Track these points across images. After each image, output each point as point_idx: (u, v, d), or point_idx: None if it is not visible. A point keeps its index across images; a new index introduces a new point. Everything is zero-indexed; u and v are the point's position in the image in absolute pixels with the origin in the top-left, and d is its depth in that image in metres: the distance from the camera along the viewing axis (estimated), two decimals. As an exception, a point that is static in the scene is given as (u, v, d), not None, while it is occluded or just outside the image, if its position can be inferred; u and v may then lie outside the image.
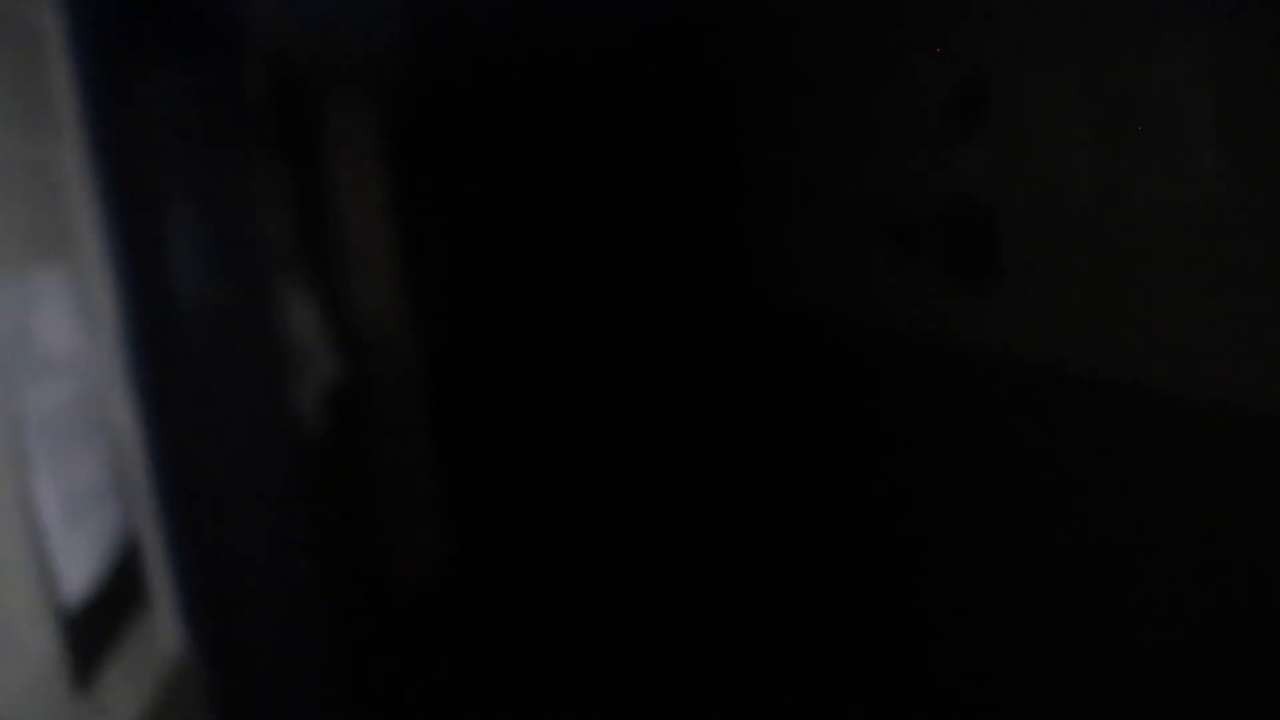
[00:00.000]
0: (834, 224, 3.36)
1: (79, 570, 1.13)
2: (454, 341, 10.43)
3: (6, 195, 1.08)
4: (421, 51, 4.52)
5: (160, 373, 1.42)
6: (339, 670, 2.60)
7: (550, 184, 10.56)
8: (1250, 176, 1.70)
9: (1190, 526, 1.90)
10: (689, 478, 5.89)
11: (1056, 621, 2.37)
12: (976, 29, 2.39)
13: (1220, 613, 1.85)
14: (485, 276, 10.75)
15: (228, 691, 1.76)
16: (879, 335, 3.10)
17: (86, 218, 1.29)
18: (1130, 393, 2.00)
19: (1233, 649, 1.81)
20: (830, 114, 3.27)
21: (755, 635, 3.99)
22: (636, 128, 6.26)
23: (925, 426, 2.89)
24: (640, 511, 5.87)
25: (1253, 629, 1.77)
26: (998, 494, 2.55)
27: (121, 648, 1.23)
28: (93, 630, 1.15)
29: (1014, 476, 2.47)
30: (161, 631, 1.41)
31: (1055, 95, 2.14)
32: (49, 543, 1.07)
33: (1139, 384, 1.96)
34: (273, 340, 2.23)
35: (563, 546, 5.37)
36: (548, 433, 8.28)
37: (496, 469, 7.22)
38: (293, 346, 2.55)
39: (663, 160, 5.65)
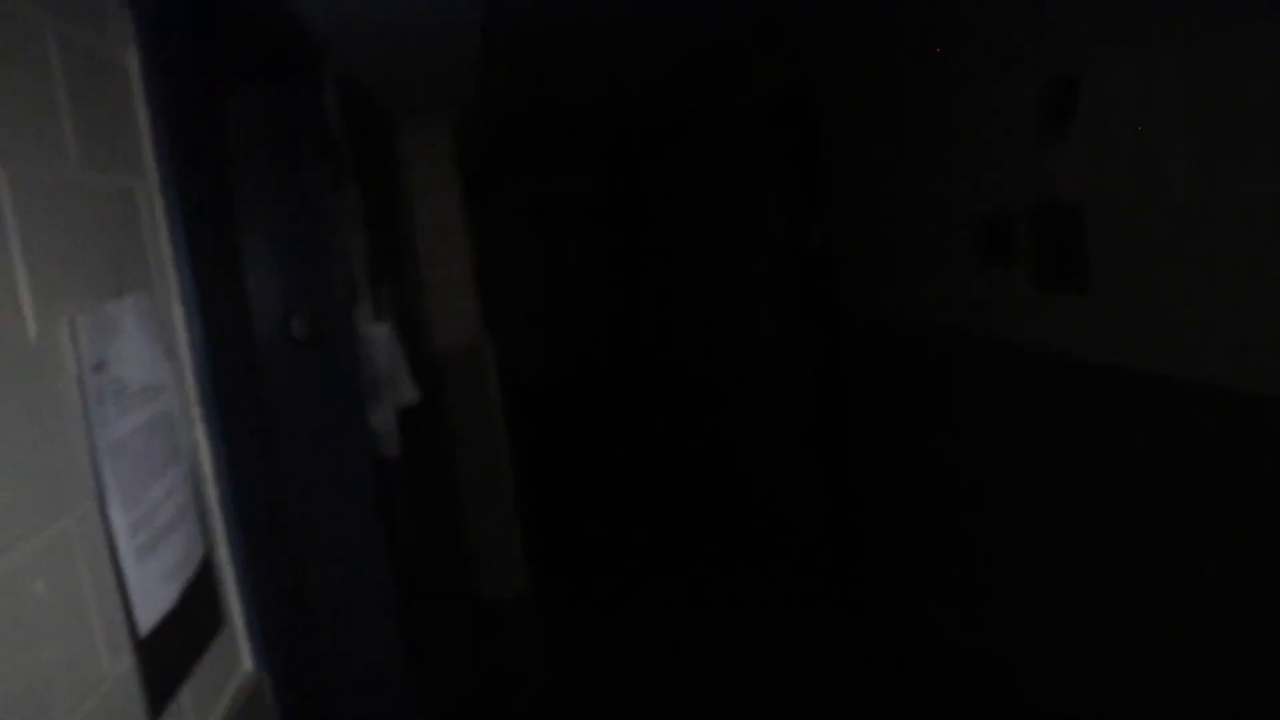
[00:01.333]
0: (921, 228, 3.29)
1: (154, 595, 1.14)
2: (538, 359, 10.53)
3: (87, 226, 1.11)
4: (499, 73, 4.57)
5: (238, 400, 1.44)
6: (416, 686, 2.62)
7: (631, 198, 10.60)
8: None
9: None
10: (778, 486, 5.82)
11: (1139, 620, 2.26)
12: (1066, 24, 2.30)
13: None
14: (569, 294, 10.84)
15: (303, 711, 1.78)
16: (964, 339, 3.02)
17: (165, 247, 1.32)
18: (1229, 398, 1.89)
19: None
20: (917, 117, 3.21)
21: (835, 636, 3.92)
22: (721, 137, 6.24)
23: (1010, 430, 2.80)
24: (727, 520, 5.82)
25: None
26: (1082, 496, 2.45)
27: (196, 671, 1.25)
28: (167, 655, 1.17)
29: (1101, 480, 2.37)
30: (237, 653, 1.43)
31: (1148, 91, 2.04)
32: (125, 569, 1.08)
33: (1237, 390, 1.86)
34: (351, 366, 2.26)
35: (647, 552, 5.35)
36: (634, 445, 8.27)
37: (577, 479, 7.24)
38: (372, 371, 2.58)
39: (748, 169, 5.63)
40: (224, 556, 1.41)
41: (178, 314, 1.34)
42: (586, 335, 11.07)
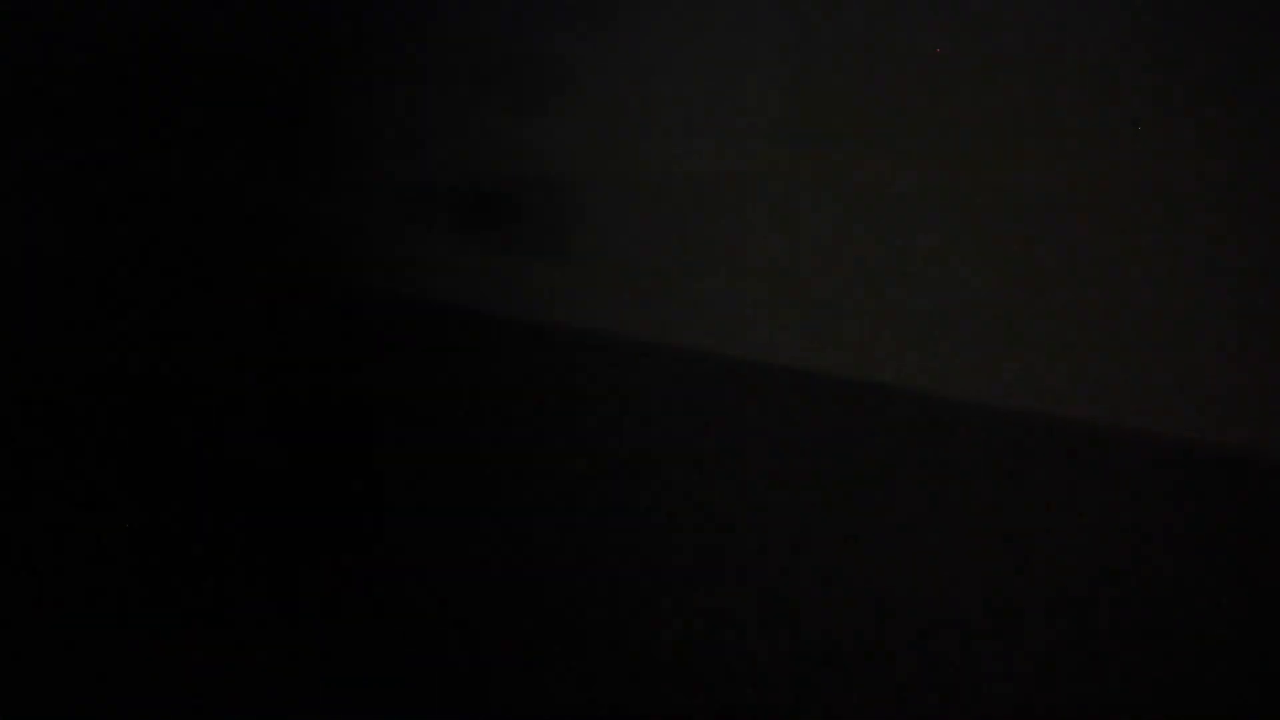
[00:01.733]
0: (408, 203, 3.26)
1: None
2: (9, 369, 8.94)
3: None
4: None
5: None
6: None
7: (114, 181, 9.42)
8: (815, 161, 1.73)
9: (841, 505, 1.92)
10: (267, 477, 5.49)
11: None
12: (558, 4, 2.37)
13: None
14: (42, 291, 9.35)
15: None
16: (459, 314, 3.03)
17: None
18: (712, 364, 2.02)
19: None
20: (395, 85, 3.17)
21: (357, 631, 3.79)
22: (184, 107, 5.74)
23: (514, 402, 2.85)
24: (221, 525, 5.36)
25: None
26: (595, 473, 2.54)
27: None
28: None
29: (608, 453, 2.45)
30: None
31: (636, 67, 2.13)
32: None
33: (722, 356, 1.99)
34: None
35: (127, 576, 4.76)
36: (123, 453, 7.33)
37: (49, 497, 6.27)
38: None
39: (212, 144, 5.24)
40: None
41: None
42: (69, 334, 9.67)
